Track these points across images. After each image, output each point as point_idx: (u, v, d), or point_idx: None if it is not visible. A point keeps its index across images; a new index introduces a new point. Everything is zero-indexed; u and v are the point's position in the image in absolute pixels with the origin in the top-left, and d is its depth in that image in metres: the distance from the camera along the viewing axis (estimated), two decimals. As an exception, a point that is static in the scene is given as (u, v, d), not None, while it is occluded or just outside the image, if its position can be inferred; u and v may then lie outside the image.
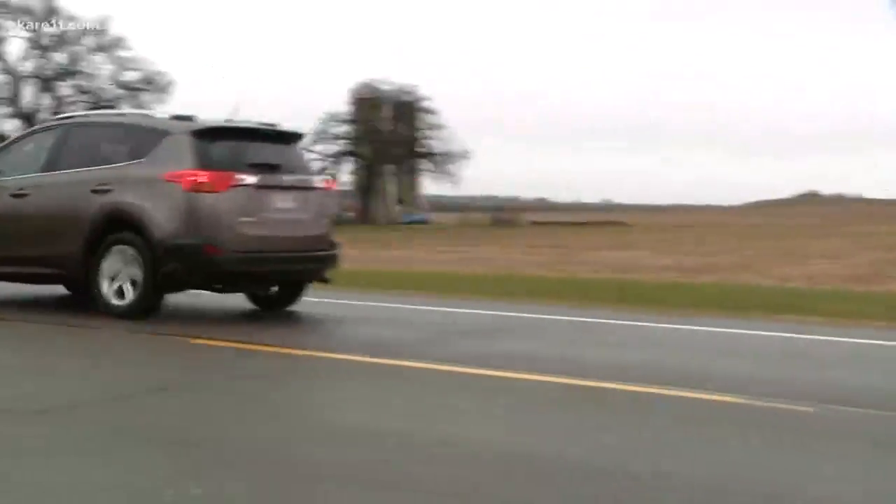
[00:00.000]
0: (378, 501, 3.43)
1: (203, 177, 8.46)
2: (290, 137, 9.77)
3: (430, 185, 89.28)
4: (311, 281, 9.69)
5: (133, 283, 8.57)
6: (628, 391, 5.56)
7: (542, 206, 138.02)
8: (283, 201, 9.00)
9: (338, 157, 78.85)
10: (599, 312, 10.08)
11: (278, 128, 9.73)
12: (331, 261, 9.57)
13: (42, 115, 64.53)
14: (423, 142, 79.37)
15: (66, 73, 64.79)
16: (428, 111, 79.01)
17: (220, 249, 8.41)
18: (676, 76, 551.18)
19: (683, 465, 3.99)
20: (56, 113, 65.00)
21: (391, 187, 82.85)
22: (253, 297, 9.92)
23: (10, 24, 62.75)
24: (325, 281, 9.80)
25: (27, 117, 63.91)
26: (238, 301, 9.83)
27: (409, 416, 4.85)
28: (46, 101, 65.14)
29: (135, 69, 65.38)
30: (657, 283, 14.86)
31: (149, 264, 8.44)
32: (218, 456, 3.92)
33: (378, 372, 6.25)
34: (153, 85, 65.15)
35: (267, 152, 9.24)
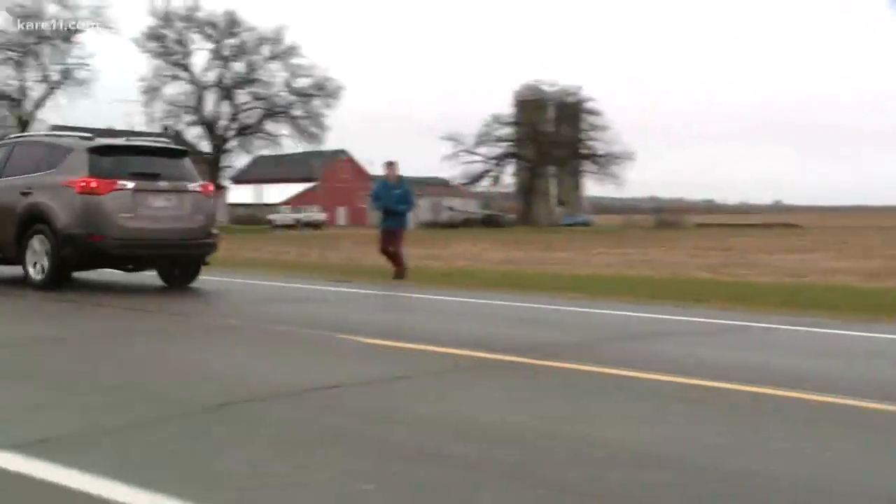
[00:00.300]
0: (522, 500, 3.47)
1: (92, 182, 11.02)
2: (175, 153, 12.50)
3: (593, 187, 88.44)
4: (188, 263, 12.21)
5: (47, 262, 11.21)
6: (775, 396, 5.40)
7: (709, 208, 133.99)
8: (158, 201, 11.53)
9: (501, 159, 79.28)
10: (763, 317, 9.73)
11: (162, 145, 12.78)
12: (205, 248, 12.04)
13: (222, 123, 68.00)
14: (587, 143, 78.60)
15: (244, 81, 67.82)
16: (592, 112, 78.20)
17: (102, 237, 11.01)
18: (854, 71, 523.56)
19: (797, 466, 3.84)
20: (233, 119, 68.31)
21: (553, 189, 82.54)
22: (161, 276, 12.39)
23: (196, 37, 66.36)
24: (204, 263, 12.31)
25: (209, 125, 67.46)
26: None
27: (553, 417, 4.86)
28: (225, 108, 68.37)
29: (306, 76, 67.73)
30: (829, 287, 14.17)
31: (54, 249, 11.10)
32: (382, 452, 4.05)
33: (528, 372, 6.28)
34: (323, 90, 67.36)
35: (150, 164, 11.81)
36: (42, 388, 5.37)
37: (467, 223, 73.70)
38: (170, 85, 66.41)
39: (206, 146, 69.14)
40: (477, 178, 79.58)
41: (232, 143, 69.54)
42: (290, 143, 69.04)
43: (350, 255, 25.45)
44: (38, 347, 7.00)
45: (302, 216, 74.68)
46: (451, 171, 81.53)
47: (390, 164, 15.80)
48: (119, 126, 79.73)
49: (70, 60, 61.61)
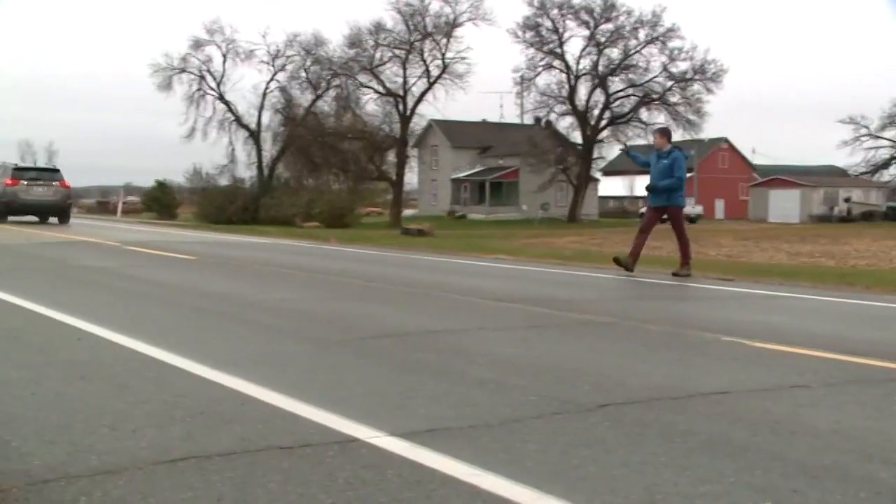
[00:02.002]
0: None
1: (9, 181, 33.73)
2: (51, 171, 36.87)
3: None
4: (58, 214, 34.20)
5: None
6: None
7: None
8: (37, 188, 33.85)
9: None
10: None
11: (46, 167, 42.07)
12: (62, 208, 34.36)
13: (594, 113, 68.85)
14: None
15: (619, 67, 67.96)
16: None
17: (13, 203, 33.46)
18: None
19: None
20: (606, 108, 68.81)
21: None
22: (58, 221, 34.00)
23: (571, 24, 67.79)
24: (66, 218, 34.62)
25: (581, 115, 68.70)
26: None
27: None
28: (598, 97, 69.07)
29: (686, 59, 66.43)
30: None
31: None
32: (779, 467, 3.90)
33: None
34: (704, 74, 65.76)
35: (37, 175, 35.42)
36: (423, 378, 5.76)
37: (867, 217, 68.43)
38: (543, 75, 68.50)
39: (577, 137, 70.56)
40: (881, 165, 73.46)
41: (604, 133, 70.33)
42: (665, 132, 68.17)
43: (730, 252, 24.74)
44: (410, 339, 7.54)
45: (677, 209, 73.57)
46: (849, 159, 76.10)
47: (658, 132, 14.56)
48: (491, 118, 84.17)
49: (449, 55, 65.84)
